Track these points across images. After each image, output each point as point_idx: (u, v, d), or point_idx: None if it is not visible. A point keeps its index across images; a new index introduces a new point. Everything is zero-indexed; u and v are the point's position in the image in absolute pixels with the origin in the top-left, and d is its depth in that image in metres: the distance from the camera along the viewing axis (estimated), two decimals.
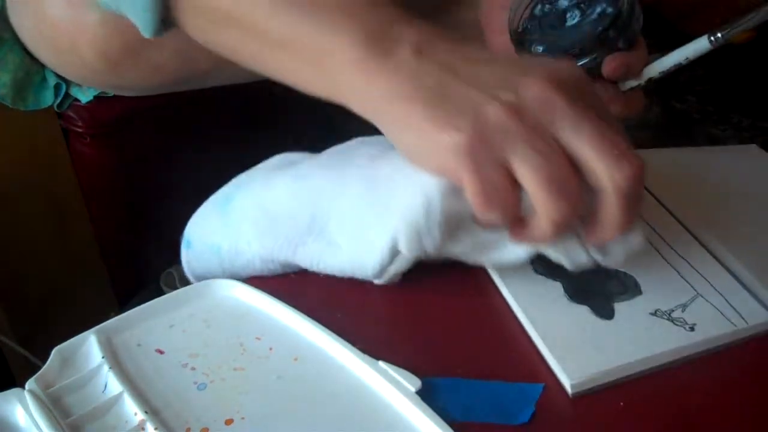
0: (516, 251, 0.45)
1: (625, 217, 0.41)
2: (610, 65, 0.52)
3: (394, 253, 0.45)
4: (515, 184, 0.40)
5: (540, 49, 0.55)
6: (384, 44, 0.42)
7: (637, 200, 0.40)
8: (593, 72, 0.54)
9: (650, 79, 0.54)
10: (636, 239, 0.45)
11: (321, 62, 0.43)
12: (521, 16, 0.57)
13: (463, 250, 0.46)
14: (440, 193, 0.42)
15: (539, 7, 0.56)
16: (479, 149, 0.39)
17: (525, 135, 0.39)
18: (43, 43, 0.66)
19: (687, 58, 0.51)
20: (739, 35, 0.49)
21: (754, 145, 0.65)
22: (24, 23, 0.66)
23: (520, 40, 0.56)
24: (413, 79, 0.41)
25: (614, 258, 0.46)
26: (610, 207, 0.40)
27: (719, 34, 0.49)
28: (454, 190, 0.42)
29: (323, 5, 0.43)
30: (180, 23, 0.49)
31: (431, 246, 0.43)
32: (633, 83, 0.54)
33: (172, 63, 0.59)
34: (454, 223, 0.44)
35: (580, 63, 0.54)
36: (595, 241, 0.44)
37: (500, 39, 0.58)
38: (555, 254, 0.45)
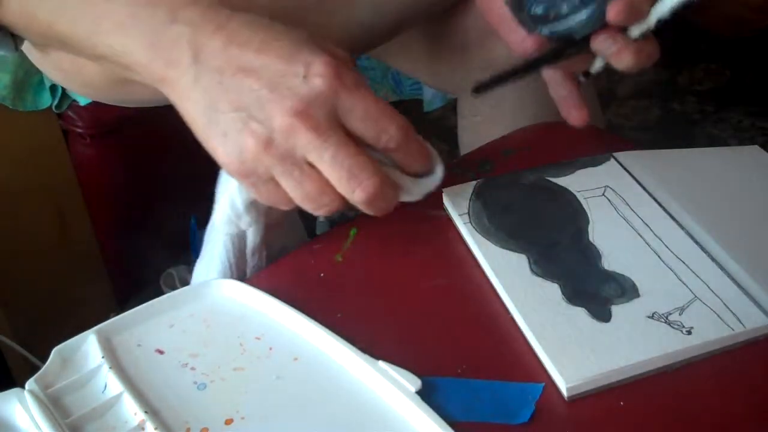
0: None
1: (376, 213, 0.46)
2: (613, 9, 0.50)
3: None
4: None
5: (540, 9, 0.53)
6: (164, 53, 0.45)
7: (383, 207, 0.46)
8: (598, 24, 0.51)
9: (659, 21, 0.51)
10: (435, 178, 0.49)
11: (129, 74, 0.47)
12: None
13: None
14: (238, 189, 0.49)
15: None
16: (249, 175, 0.45)
17: (276, 163, 0.44)
18: (46, 63, 0.66)
19: None
20: None
21: (756, 146, 0.64)
22: (27, 44, 0.66)
23: (519, 4, 0.55)
24: (190, 91, 0.45)
25: (414, 195, 0.49)
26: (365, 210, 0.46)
27: None
28: None
29: (108, 18, 0.46)
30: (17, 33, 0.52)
31: (245, 225, 0.50)
32: (642, 28, 0.51)
33: None
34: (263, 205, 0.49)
35: (582, 17, 0.51)
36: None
37: (494, 12, 0.56)
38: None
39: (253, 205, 0.50)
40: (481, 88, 0.53)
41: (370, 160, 0.44)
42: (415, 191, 0.49)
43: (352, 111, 0.44)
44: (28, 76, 0.70)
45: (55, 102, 0.72)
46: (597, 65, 0.55)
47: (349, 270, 0.51)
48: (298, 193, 0.45)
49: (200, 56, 0.44)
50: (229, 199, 0.50)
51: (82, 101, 0.73)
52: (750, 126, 1.44)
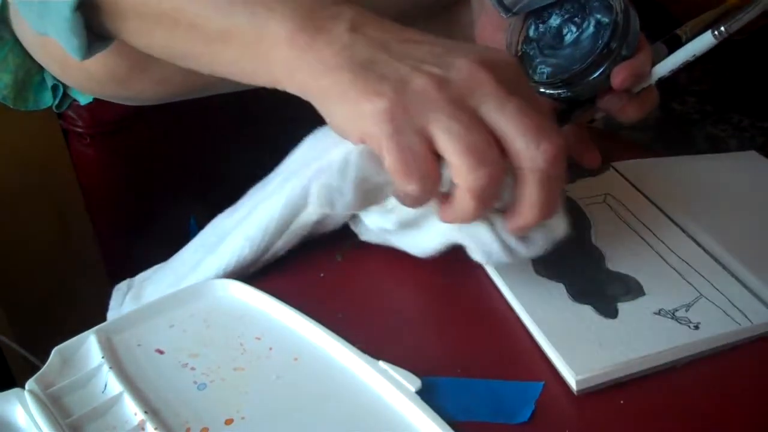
0: (432, 237, 0.46)
1: (544, 197, 0.40)
2: (618, 78, 0.52)
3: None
4: (435, 156, 0.40)
5: (546, 72, 0.54)
6: (318, 21, 0.43)
7: (557, 181, 0.41)
8: (605, 84, 0.53)
9: (660, 79, 0.53)
10: (559, 227, 0.45)
11: (256, 46, 0.44)
12: (517, 41, 0.56)
13: (386, 224, 0.47)
14: (358, 155, 0.42)
15: (532, 28, 0.56)
16: (399, 115, 0.39)
17: (446, 105, 0.39)
18: (49, 58, 0.66)
19: (694, 55, 0.51)
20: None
21: (753, 151, 0.65)
22: (28, 37, 0.66)
23: (521, 65, 0.56)
24: (343, 51, 0.42)
25: (535, 247, 0.45)
26: (529, 186, 0.40)
27: (722, 28, 0.49)
28: (374, 157, 0.42)
29: None
30: (112, 32, 0.50)
31: (342, 205, 0.43)
32: (644, 85, 0.54)
33: (178, 76, 0.59)
34: (372, 191, 0.43)
35: (591, 78, 0.53)
36: (515, 227, 0.43)
37: None
38: (469, 243, 0.45)
39: (362, 184, 0.43)
40: None
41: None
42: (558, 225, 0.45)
43: (524, 94, 0.41)
44: (29, 76, 0.70)
45: (56, 102, 0.72)
46: (599, 114, 0.57)
47: (349, 270, 0.51)
48: (460, 143, 0.38)
49: (359, 28, 0.42)
50: (341, 163, 0.42)
51: (83, 101, 0.73)
52: (750, 126, 1.44)
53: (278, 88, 0.46)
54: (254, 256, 0.50)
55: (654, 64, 0.53)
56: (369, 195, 0.43)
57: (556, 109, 0.56)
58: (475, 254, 0.45)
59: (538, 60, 0.55)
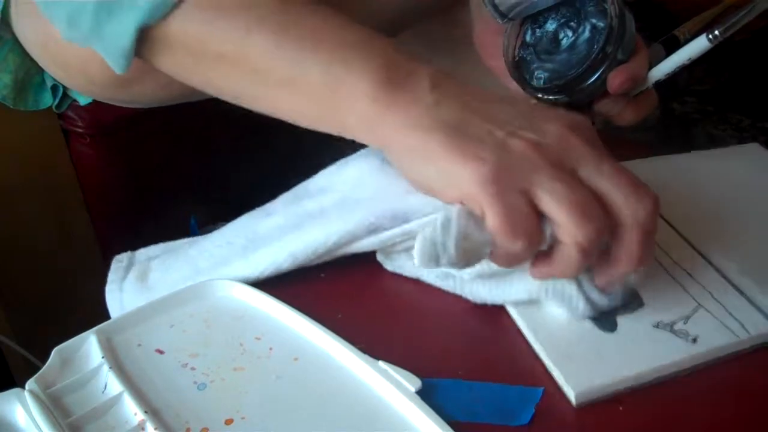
0: (512, 291, 0.46)
1: (644, 249, 0.41)
2: (614, 82, 0.52)
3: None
4: (538, 214, 0.41)
5: (543, 77, 0.54)
6: (398, 78, 0.43)
7: (653, 235, 0.42)
8: (602, 88, 0.53)
9: (656, 81, 0.54)
10: (635, 276, 0.46)
11: (328, 97, 0.44)
12: (514, 45, 0.56)
13: (460, 273, 0.47)
14: (458, 213, 0.42)
15: (529, 33, 0.56)
16: (503, 178, 0.40)
17: (547, 166, 0.40)
18: (50, 60, 0.66)
19: (690, 58, 0.51)
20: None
21: (756, 143, 0.64)
22: (29, 38, 0.66)
23: (518, 70, 0.56)
24: (431, 111, 0.42)
25: (615, 299, 0.46)
26: (629, 240, 0.41)
27: (717, 32, 0.49)
28: (473, 217, 0.42)
29: (330, 42, 0.44)
30: (148, 57, 0.49)
31: (445, 260, 0.43)
32: (640, 88, 0.54)
33: (180, 81, 0.59)
34: (471, 250, 0.43)
35: (588, 83, 0.53)
36: (609, 277, 0.44)
37: (497, 63, 0.57)
38: (555, 301, 0.45)
39: (463, 242, 0.42)
40: None
41: None
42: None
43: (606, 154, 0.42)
44: (29, 76, 0.70)
45: (56, 102, 0.72)
46: (597, 118, 0.57)
47: (350, 270, 0.51)
48: (565, 200, 0.39)
49: (440, 87, 0.43)
50: (441, 221, 0.42)
51: (82, 101, 0.73)
52: (750, 126, 1.44)
53: (344, 135, 0.45)
54: (291, 269, 0.50)
55: (651, 65, 0.53)
56: (468, 253, 0.43)
57: None
58: (560, 309, 0.46)
59: (535, 65, 0.55)
